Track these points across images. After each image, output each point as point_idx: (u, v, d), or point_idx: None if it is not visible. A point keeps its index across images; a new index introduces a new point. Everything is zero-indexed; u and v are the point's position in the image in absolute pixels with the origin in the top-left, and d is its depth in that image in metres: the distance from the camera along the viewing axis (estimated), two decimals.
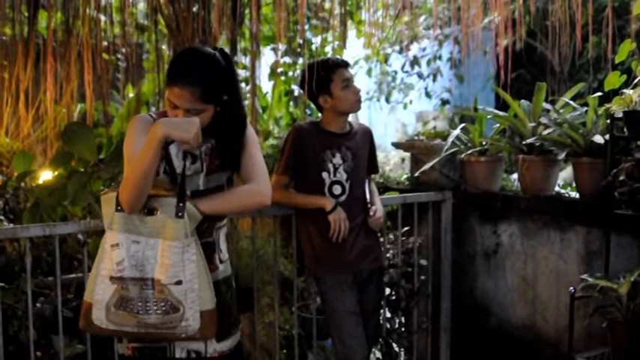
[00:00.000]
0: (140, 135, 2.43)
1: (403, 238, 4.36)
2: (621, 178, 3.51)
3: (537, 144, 4.06)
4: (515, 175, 4.57)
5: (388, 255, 4.30)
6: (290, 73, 6.88)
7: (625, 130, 3.55)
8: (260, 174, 2.63)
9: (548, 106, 4.25)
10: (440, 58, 8.90)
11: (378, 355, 4.34)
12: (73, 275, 3.81)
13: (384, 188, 4.80)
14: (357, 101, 3.56)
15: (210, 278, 2.42)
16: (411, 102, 9.52)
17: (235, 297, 2.74)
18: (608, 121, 3.62)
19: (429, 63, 9.01)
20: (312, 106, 6.60)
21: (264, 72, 6.54)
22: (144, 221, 2.37)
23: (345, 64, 3.58)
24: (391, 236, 4.37)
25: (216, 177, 2.59)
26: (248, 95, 5.72)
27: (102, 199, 2.43)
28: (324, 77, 3.47)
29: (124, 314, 2.36)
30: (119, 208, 2.37)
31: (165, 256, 2.34)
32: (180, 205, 2.35)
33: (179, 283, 2.34)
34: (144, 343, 2.50)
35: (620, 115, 3.51)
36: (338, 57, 3.69)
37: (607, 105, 3.71)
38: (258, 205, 2.63)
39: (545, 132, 4.05)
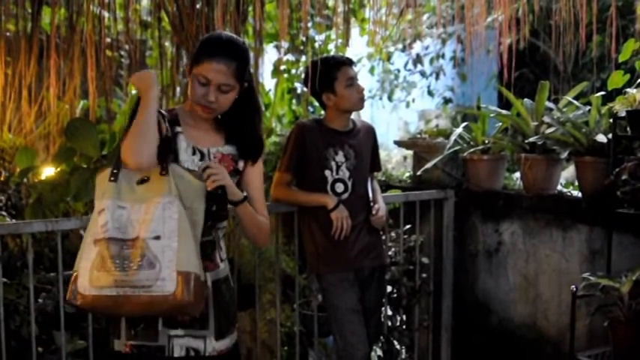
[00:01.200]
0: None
1: (405, 236, 4.36)
2: (624, 177, 3.51)
3: (540, 143, 4.06)
4: (517, 174, 4.57)
5: (390, 253, 4.30)
6: (293, 71, 6.88)
7: (628, 129, 3.55)
8: (267, 214, 2.77)
9: (551, 105, 4.25)
10: (443, 56, 8.88)
11: (380, 352, 4.34)
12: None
13: (386, 186, 4.80)
14: (361, 100, 3.57)
15: (195, 243, 2.35)
16: (413, 100, 9.51)
17: (234, 296, 2.73)
18: (611, 120, 3.63)
19: (431, 61, 9.00)
20: (315, 103, 6.61)
21: (267, 69, 6.53)
22: (134, 189, 2.37)
23: (349, 62, 3.58)
24: (393, 234, 4.37)
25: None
26: None
27: (97, 180, 2.42)
28: (328, 75, 3.47)
29: (102, 274, 2.29)
30: (112, 178, 2.36)
31: (147, 212, 2.32)
32: (164, 164, 2.35)
33: (157, 238, 2.29)
34: (140, 340, 2.45)
35: (623, 114, 3.51)
36: (343, 55, 3.70)
37: (610, 104, 3.71)
38: (261, 243, 2.88)
39: (548, 131, 4.04)
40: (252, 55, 5.09)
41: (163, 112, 2.52)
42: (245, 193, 2.64)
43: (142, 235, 2.30)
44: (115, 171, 2.37)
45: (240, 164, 2.64)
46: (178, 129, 2.53)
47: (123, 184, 2.36)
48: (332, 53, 3.71)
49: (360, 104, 3.59)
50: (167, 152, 2.40)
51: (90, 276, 2.29)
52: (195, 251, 2.33)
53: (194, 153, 2.53)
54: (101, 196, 2.37)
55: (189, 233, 2.33)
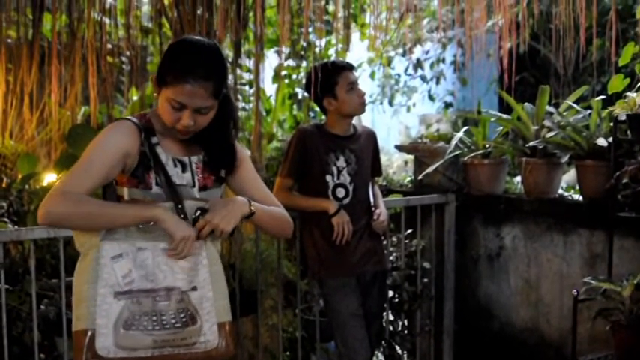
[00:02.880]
0: (115, 145, 2.16)
1: (406, 241, 4.37)
2: (624, 181, 3.51)
3: (540, 147, 4.07)
4: (518, 178, 4.57)
5: (391, 257, 4.30)
6: (294, 76, 6.90)
7: (628, 133, 3.56)
8: (276, 200, 2.53)
9: (551, 109, 4.25)
10: (443, 61, 8.89)
11: (381, 357, 4.34)
12: None
13: (387, 191, 4.80)
14: (362, 104, 3.57)
15: (226, 287, 2.23)
16: (414, 105, 9.51)
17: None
18: (612, 124, 3.63)
19: (432, 66, 9.00)
20: (316, 108, 6.62)
21: (268, 75, 6.55)
22: (143, 230, 2.14)
23: (350, 67, 3.58)
24: (394, 239, 4.37)
25: (212, 193, 2.34)
26: (252, 98, 5.74)
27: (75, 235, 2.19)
28: (329, 79, 3.48)
29: (136, 334, 2.06)
30: None
31: (179, 260, 2.13)
32: (179, 206, 2.16)
33: (194, 289, 2.13)
34: None
35: (624, 118, 3.52)
36: (343, 60, 3.71)
37: (610, 108, 3.71)
38: (288, 233, 2.54)
39: (549, 135, 4.05)
40: (252, 60, 5.12)
41: (135, 120, 2.24)
42: (252, 207, 2.32)
43: (179, 285, 2.11)
44: None
45: (222, 171, 2.39)
46: (154, 140, 2.23)
47: None
48: (333, 58, 3.70)
49: (361, 109, 3.59)
50: (177, 195, 2.18)
51: (115, 336, 2.05)
52: (227, 296, 2.21)
53: (175, 165, 2.25)
54: (104, 235, 2.12)
55: (221, 276, 2.21)
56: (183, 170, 2.27)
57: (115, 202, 2.20)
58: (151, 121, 2.26)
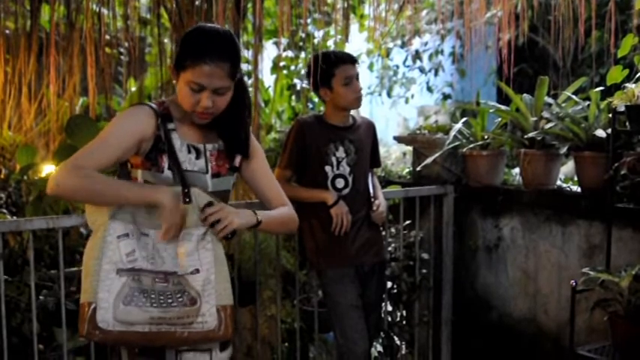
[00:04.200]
0: (131, 127, 2.27)
1: (405, 232, 4.37)
2: (623, 172, 3.52)
3: (539, 138, 4.07)
4: (516, 169, 4.57)
5: (390, 248, 4.30)
6: (292, 67, 6.89)
7: (627, 124, 3.56)
8: (286, 197, 2.66)
9: (550, 100, 4.25)
10: (442, 52, 8.89)
11: (380, 348, 4.35)
12: (76, 268, 3.81)
13: (385, 182, 4.81)
14: (357, 99, 3.55)
15: (228, 271, 2.27)
16: (412, 96, 9.51)
17: None
18: (610, 115, 3.63)
19: (430, 57, 9.00)
20: (315, 99, 6.62)
21: (267, 66, 6.54)
22: (149, 211, 2.22)
23: (350, 61, 3.55)
24: (393, 230, 4.38)
25: (225, 180, 2.47)
26: (250, 89, 5.73)
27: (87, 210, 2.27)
28: (327, 71, 3.47)
29: (134, 310, 2.14)
30: None
31: (181, 245, 2.21)
32: (186, 190, 2.23)
33: (196, 271, 2.19)
34: (146, 358, 2.29)
35: (622, 109, 3.52)
36: (345, 52, 3.67)
37: (609, 99, 3.71)
38: (293, 232, 2.76)
39: (547, 126, 4.05)
40: (251, 51, 5.11)
41: (154, 106, 2.35)
42: (259, 217, 2.42)
43: (179, 270, 2.19)
44: None
45: (237, 160, 2.50)
46: (171, 126, 2.34)
47: (139, 206, 2.22)
48: (336, 49, 3.67)
49: (355, 104, 3.57)
50: (185, 180, 2.27)
51: (115, 310, 2.14)
52: (229, 280, 2.26)
53: (189, 151, 2.35)
54: (111, 215, 2.21)
55: (223, 262, 2.26)
56: (197, 157, 2.37)
57: (123, 181, 2.29)
58: (169, 109, 2.37)
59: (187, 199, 2.23)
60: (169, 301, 2.17)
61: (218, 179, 2.43)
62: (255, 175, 2.59)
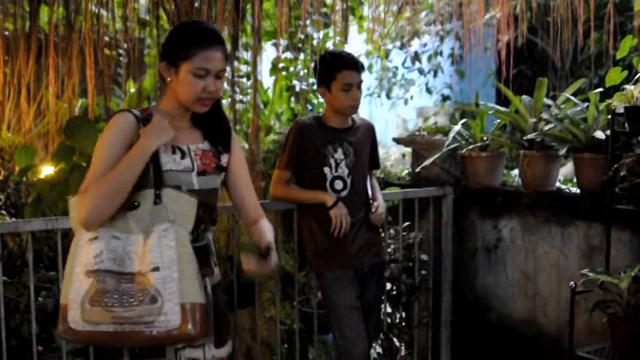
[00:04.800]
0: (119, 137, 2.33)
1: (404, 233, 4.37)
2: (622, 173, 3.52)
3: (538, 139, 4.07)
4: (516, 171, 4.57)
5: (389, 250, 4.30)
6: (291, 69, 6.88)
7: (626, 125, 3.56)
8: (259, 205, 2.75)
9: (549, 101, 4.26)
10: (441, 54, 8.90)
11: (379, 349, 4.35)
12: None
13: (385, 183, 4.81)
14: (352, 107, 3.51)
15: (197, 269, 2.26)
16: (411, 98, 9.53)
17: (226, 301, 2.70)
18: (609, 116, 3.63)
19: (429, 59, 9.01)
20: (314, 101, 6.62)
21: (266, 67, 6.53)
22: (125, 216, 2.26)
23: (354, 67, 3.48)
24: (392, 231, 4.38)
25: (212, 179, 2.49)
26: (249, 90, 5.73)
27: (71, 202, 2.30)
28: (329, 72, 3.46)
29: (98, 310, 2.18)
30: None
31: (145, 243, 2.23)
32: (157, 192, 2.27)
33: (157, 269, 2.19)
34: (149, 358, 2.33)
35: (622, 110, 3.52)
36: (353, 58, 3.55)
37: (608, 101, 3.71)
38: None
39: (546, 127, 4.05)
40: (250, 53, 5.11)
41: (136, 112, 2.40)
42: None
43: (142, 269, 2.20)
44: None
45: (224, 160, 2.55)
46: None
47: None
48: (344, 51, 3.63)
49: (350, 111, 3.53)
50: (159, 180, 2.30)
51: (82, 311, 2.19)
52: (198, 278, 2.25)
53: (174, 152, 2.40)
54: None
55: (190, 260, 2.25)
56: (183, 157, 2.42)
57: (116, 166, 2.30)
58: (151, 114, 2.40)
59: (158, 200, 2.27)
60: (131, 300, 2.18)
61: (204, 177, 2.46)
62: (237, 175, 2.62)
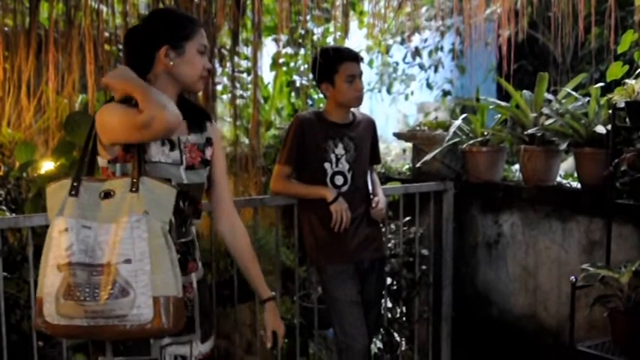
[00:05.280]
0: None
1: (404, 228, 4.37)
2: (623, 168, 3.51)
3: (539, 134, 4.06)
4: (516, 166, 4.57)
5: (389, 245, 4.30)
6: (292, 64, 6.88)
7: (627, 120, 3.55)
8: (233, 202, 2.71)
9: (550, 96, 4.25)
10: (441, 49, 8.88)
11: (379, 344, 4.35)
12: None
13: (385, 179, 4.81)
14: (358, 98, 3.54)
15: (171, 261, 2.17)
16: (412, 93, 9.51)
17: (210, 296, 2.68)
18: (610, 111, 3.62)
19: (430, 54, 8.99)
20: (315, 96, 6.61)
21: (266, 62, 6.53)
22: (99, 205, 2.19)
23: (354, 59, 3.53)
24: (393, 226, 4.38)
25: (199, 173, 2.45)
26: (250, 86, 5.73)
27: (48, 192, 2.26)
28: (331, 66, 3.46)
29: (71, 304, 2.11)
30: (73, 192, 2.18)
31: (116, 233, 2.14)
32: (134, 180, 2.19)
33: (128, 261, 2.11)
34: (133, 355, 2.27)
35: (622, 105, 3.51)
36: (350, 50, 3.61)
37: (609, 95, 3.71)
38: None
39: (547, 122, 4.04)
40: (250, 48, 5.10)
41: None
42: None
43: (112, 261, 2.12)
44: (75, 184, 2.20)
45: (208, 153, 2.50)
46: None
47: (85, 199, 2.19)
48: (340, 45, 3.67)
49: (355, 102, 3.56)
50: (139, 168, 2.23)
51: (57, 305, 2.13)
52: (172, 271, 2.17)
53: (163, 144, 2.35)
54: (59, 211, 2.19)
55: (163, 252, 2.15)
56: (172, 148, 2.37)
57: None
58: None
59: (134, 189, 2.18)
60: (102, 293, 2.11)
61: (192, 171, 2.41)
62: (215, 166, 2.57)
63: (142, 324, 2.12)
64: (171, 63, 2.36)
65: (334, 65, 3.47)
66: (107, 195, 2.19)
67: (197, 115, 2.53)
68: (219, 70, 5.51)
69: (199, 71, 2.41)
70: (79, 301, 2.11)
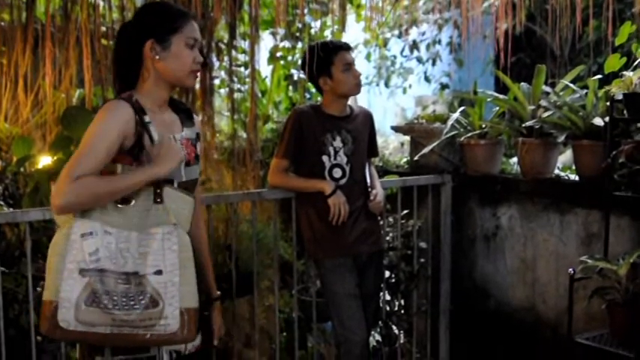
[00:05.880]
0: (117, 129, 2.22)
1: (403, 221, 4.37)
2: (621, 160, 3.51)
3: (537, 127, 4.06)
4: (514, 159, 4.57)
5: (388, 238, 4.30)
6: (289, 58, 6.87)
7: (625, 112, 3.55)
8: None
9: (547, 88, 4.24)
10: (439, 42, 8.88)
11: (378, 337, 4.35)
12: None
13: (383, 172, 4.80)
14: (357, 85, 3.57)
15: (194, 273, 2.21)
16: (410, 86, 9.51)
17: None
18: (608, 103, 3.62)
19: (428, 47, 8.98)
20: (312, 90, 6.61)
21: (263, 56, 6.52)
22: (119, 210, 2.19)
23: (346, 47, 3.57)
24: (391, 219, 4.38)
25: (194, 169, 2.46)
26: (247, 80, 5.72)
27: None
28: (325, 59, 3.47)
29: (95, 311, 2.11)
30: None
31: (144, 244, 2.16)
32: (158, 191, 2.21)
33: (159, 272, 2.15)
34: (132, 354, 2.27)
35: (620, 97, 3.51)
36: (340, 40, 3.70)
37: (607, 87, 3.70)
38: None
39: (545, 115, 4.04)
40: (247, 42, 5.09)
41: (132, 101, 2.29)
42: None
43: (141, 271, 2.14)
44: None
45: (199, 148, 2.51)
46: (147, 118, 2.29)
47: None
48: (329, 38, 3.72)
49: (356, 89, 3.58)
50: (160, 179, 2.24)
51: (76, 311, 2.11)
52: (195, 283, 2.21)
53: None
54: (80, 213, 2.16)
55: (191, 264, 2.20)
56: None
57: (121, 176, 2.23)
58: (139, 102, 2.31)
59: (159, 200, 2.21)
60: (131, 303, 2.13)
61: (189, 168, 2.42)
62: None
63: (168, 334, 2.16)
64: (157, 57, 2.33)
65: (329, 57, 3.48)
66: (124, 201, 2.20)
67: (185, 109, 2.52)
68: (216, 64, 5.50)
69: (188, 65, 2.35)
70: (107, 309, 2.12)
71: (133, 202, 2.20)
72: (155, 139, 2.28)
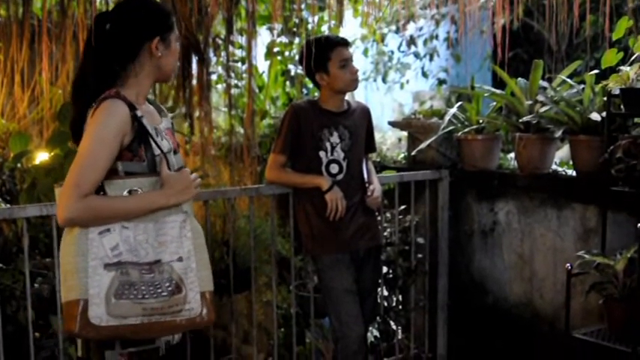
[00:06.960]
0: (116, 130, 2.21)
1: (400, 217, 4.37)
2: (618, 155, 3.51)
3: (534, 122, 4.06)
4: (512, 154, 4.57)
5: (385, 233, 4.30)
6: (286, 53, 6.86)
7: (622, 107, 3.55)
8: None
9: (545, 84, 4.24)
10: (437, 37, 8.85)
11: (376, 332, 4.36)
12: None
13: (381, 167, 4.80)
14: (354, 81, 3.56)
15: (207, 258, 2.30)
16: (407, 82, 9.48)
17: None
18: (605, 98, 3.62)
19: (425, 43, 8.96)
20: (309, 85, 6.60)
21: (261, 52, 6.51)
22: None
23: (344, 43, 3.57)
24: (388, 215, 4.37)
25: (179, 156, 2.46)
26: (244, 75, 5.71)
27: (58, 195, 2.21)
28: (322, 55, 3.46)
29: (126, 303, 2.14)
30: (101, 192, 2.17)
31: (162, 233, 2.21)
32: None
33: (180, 259, 2.21)
34: (140, 346, 2.27)
35: (617, 92, 3.51)
36: (338, 35, 3.69)
37: (604, 82, 3.70)
38: None
39: (542, 110, 4.04)
40: (245, 37, 5.09)
41: (128, 100, 2.27)
42: None
43: (163, 258, 2.20)
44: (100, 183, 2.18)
45: (177, 136, 2.57)
46: (138, 113, 2.27)
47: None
48: (327, 33, 3.72)
49: (353, 85, 3.58)
50: (168, 164, 2.28)
51: (107, 306, 2.13)
52: (209, 267, 2.31)
53: (157, 134, 2.34)
54: None
55: (204, 249, 2.29)
56: (161, 137, 2.36)
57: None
58: (126, 97, 2.28)
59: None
60: (159, 290, 2.19)
61: (176, 156, 2.42)
62: None
63: (192, 318, 2.24)
64: (160, 54, 2.35)
65: (326, 53, 3.47)
66: (131, 191, 2.22)
67: (152, 101, 2.51)
68: (213, 59, 5.49)
69: (177, 62, 2.47)
70: (137, 299, 2.16)
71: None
72: (150, 132, 2.28)
